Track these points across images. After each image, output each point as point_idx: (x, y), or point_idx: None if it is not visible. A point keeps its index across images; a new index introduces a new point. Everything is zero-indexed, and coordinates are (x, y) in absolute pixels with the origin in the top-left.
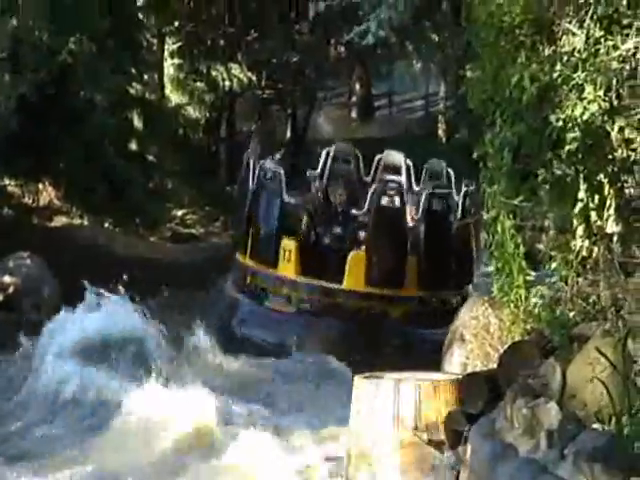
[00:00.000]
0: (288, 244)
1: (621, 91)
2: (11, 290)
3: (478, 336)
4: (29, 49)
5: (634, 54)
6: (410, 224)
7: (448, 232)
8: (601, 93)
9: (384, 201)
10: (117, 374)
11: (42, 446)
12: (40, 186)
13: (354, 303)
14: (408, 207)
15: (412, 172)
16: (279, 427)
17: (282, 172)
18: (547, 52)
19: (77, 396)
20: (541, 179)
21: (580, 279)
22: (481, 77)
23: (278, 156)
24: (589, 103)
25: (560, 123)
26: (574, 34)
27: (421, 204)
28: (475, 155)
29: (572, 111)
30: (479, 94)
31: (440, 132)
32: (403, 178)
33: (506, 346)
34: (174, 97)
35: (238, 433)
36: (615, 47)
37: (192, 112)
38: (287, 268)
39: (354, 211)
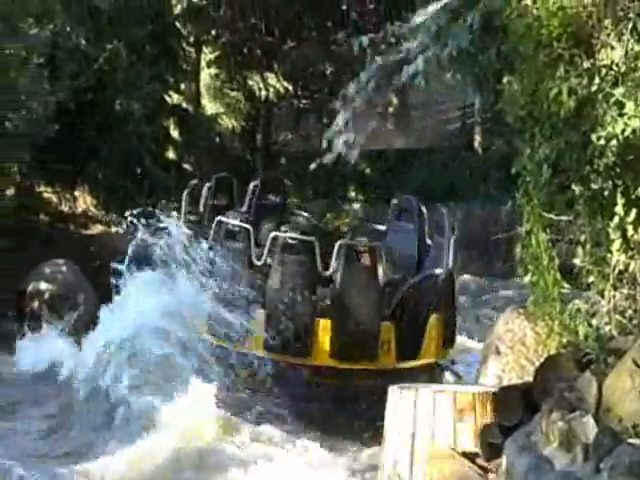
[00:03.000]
0: None
1: None
2: (47, 297)
3: (514, 349)
4: (67, 55)
5: None
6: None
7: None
8: None
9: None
10: None
11: None
12: (77, 193)
13: None
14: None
15: None
16: None
17: None
18: (585, 65)
19: None
20: (578, 193)
21: (617, 293)
22: (519, 91)
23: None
24: (629, 119)
25: (602, 141)
26: (613, 48)
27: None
28: (513, 170)
29: (613, 128)
30: (517, 108)
31: (476, 144)
32: None
33: (542, 359)
34: (210, 106)
35: None
36: None
37: (228, 121)
38: None
39: None
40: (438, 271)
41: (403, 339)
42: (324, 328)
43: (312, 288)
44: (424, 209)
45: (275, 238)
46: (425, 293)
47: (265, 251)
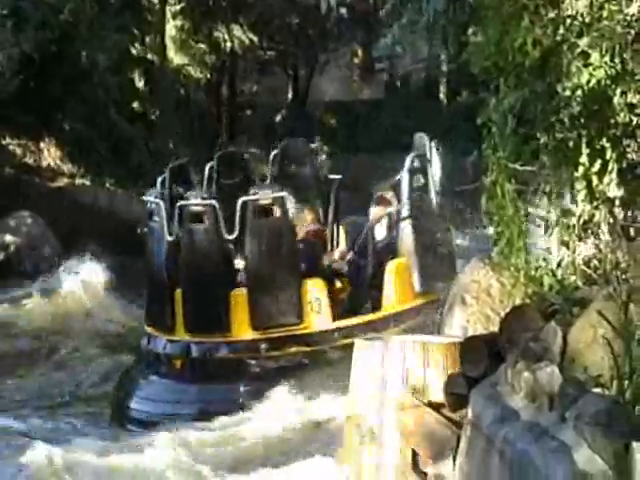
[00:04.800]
0: None
1: (625, 56)
2: (12, 249)
3: (479, 299)
4: (31, 6)
5: (638, 19)
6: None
7: None
8: (607, 59)
9: None
10: None
11: None
12: (42, 146)
13: None
14: None
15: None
16: None
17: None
18: (550, 16)
19: None
20: (543, 143)
21: (581, 243)
22: (484, 42)
23: None
24: (595, 70)
25: (567, 92)
26: None
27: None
28: (479, 121)
29: (578, 78)
30: (482, 59)
31: (441, 95)
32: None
33: (507, 310)
34: (176, 58)
35: None
36: (619, 11)
37: (193, 73)
38: None
39: None
40: (391, 209)
41: (351, 294)
42: (240, 298)
43: (220, 256)
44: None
45: (180, 208)
46: (381, 240)
47: (174, 223)
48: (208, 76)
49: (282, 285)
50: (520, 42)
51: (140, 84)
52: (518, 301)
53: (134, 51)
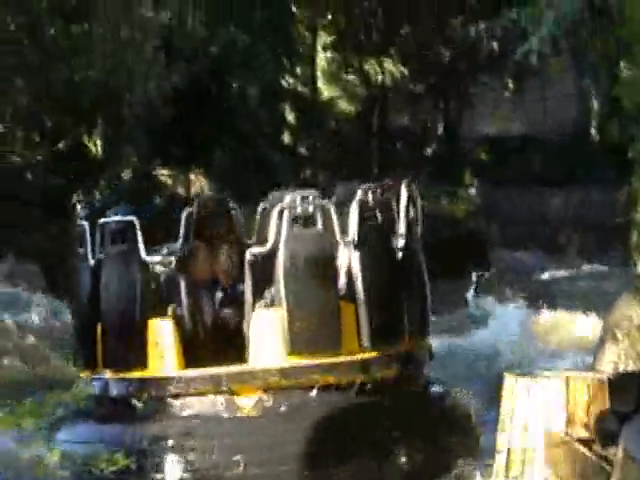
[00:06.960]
0: None
1: None
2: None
3: (630, 335)
4: (183, 39)
5: None
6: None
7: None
8: None
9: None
10: None
11: None
12: (192, 176)
13: None
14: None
15: None
16: None
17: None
18: None
19: None
20: None
21: None
22: (636, 76)
23: None
24: None
25: None
26: None
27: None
28: (630, 155)
29: None
30: (634, 93)
31: (592, 130)
32: None
33: None
34: (326, 90)
35: None
36: None
37: (344, 105)
38: None
39: None
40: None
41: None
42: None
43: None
44: None
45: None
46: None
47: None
48: (359, 108)
49: (126, 320)
50: None
51: (290, 116)
52: None
53: (284, 83)
